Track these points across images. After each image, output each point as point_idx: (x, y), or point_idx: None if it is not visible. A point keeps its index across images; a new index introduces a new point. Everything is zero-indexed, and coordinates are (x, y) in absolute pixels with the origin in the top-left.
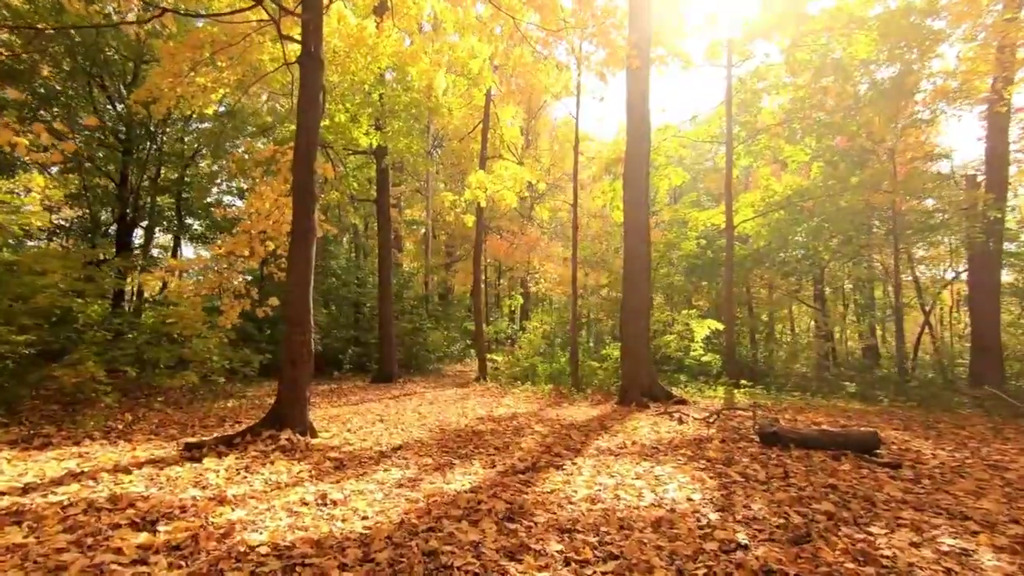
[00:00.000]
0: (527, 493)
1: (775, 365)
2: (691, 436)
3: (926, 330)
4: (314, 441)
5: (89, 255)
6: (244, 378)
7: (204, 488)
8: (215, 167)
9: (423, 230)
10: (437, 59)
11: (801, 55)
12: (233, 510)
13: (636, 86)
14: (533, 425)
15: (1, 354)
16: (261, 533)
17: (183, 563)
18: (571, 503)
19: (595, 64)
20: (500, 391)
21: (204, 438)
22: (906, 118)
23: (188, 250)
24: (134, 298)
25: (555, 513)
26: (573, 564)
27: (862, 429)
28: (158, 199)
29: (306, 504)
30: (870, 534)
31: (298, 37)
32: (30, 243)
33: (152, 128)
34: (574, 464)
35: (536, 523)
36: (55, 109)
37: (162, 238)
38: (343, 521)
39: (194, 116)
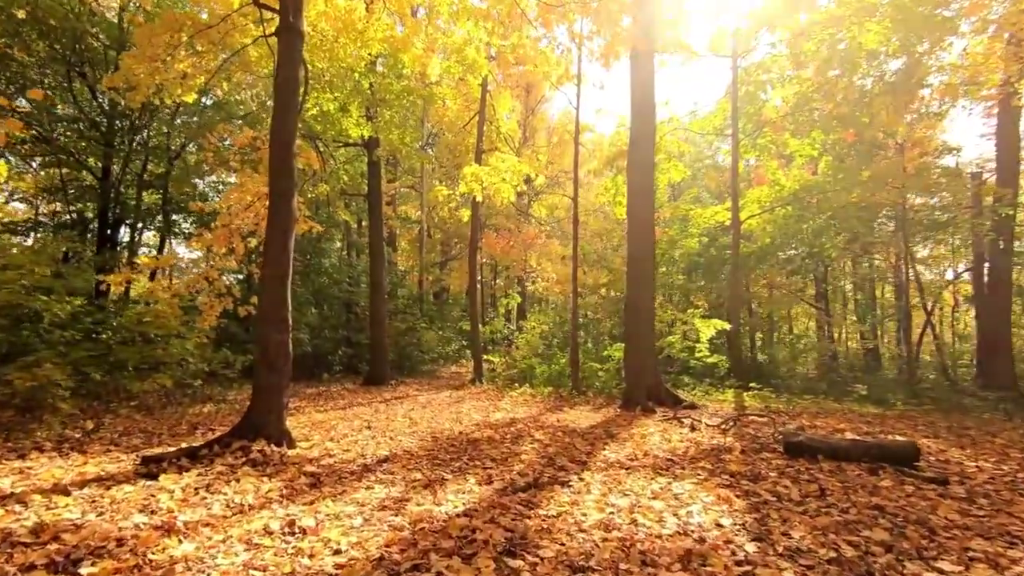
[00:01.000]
0: (530, 517)
1: (781, 367)
2: (707, 446)
3: (927, 330)
4: (291, 452)
5: (57, 250)
6: (225, 381)
7: (152, 513)
8: (198, 158)
9: (418, 228)
10: (431, 45)
11: (808, 46)
12: (180, 542)
13: (642, 68)
14: (533, 432)
15: None
16: None
17: None
18: (582, 531)
19: (598, 47)
20: (497, 394)
21: (166, 450)
22: (914, 112)
23: (180, 250)
24: (113, 297)
25: (564, 544)
26: None
27: (897, 439)
28: (144, 195)
29: (270, 534)
30: (942, 572)
31: (276, 5)
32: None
33: (134, 120)
34: (581, 480)
35: (542, 558)
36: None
37: (152, 237)
38: (310, 557)
39: (181, 109)
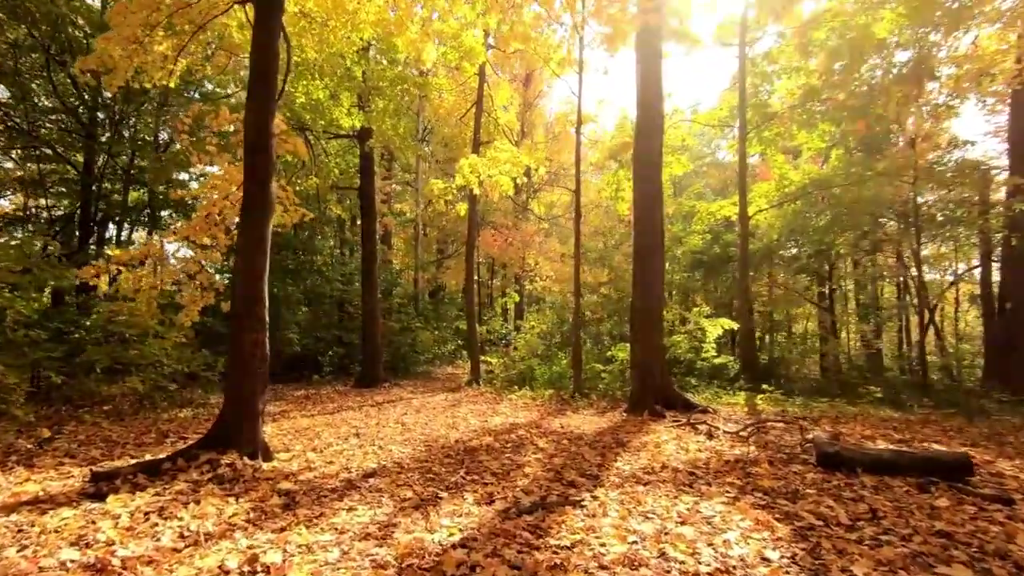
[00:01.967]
0: (539, 548)
1: (791, 368)
2: (729, 456)
3: (929, 330)
4: (266, 466)
5: (29, 246)
6: (207, 383)
7: (87, 547)
8: (173, 145)
9: (413, 226)
10: (426, 28)
11: (818, 34)
12: None
13: (649, 50)
14: (536, 440)
15: None
16: None
17: None
18: (603, 567)
19: (602, 33)
20: (495, 397)
21: (124, 464)
22: (924, 104)
23: (171, 246)
24: (100, 295)
25: None
26: None
27: (936, 447)
28: (131, 192)
29: (226, 574)
30: None
31: None
32: None
33: (117, 112)
34: (595, 498)
35: None
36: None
37: (143, 236)
38: None
39: (170, 100)
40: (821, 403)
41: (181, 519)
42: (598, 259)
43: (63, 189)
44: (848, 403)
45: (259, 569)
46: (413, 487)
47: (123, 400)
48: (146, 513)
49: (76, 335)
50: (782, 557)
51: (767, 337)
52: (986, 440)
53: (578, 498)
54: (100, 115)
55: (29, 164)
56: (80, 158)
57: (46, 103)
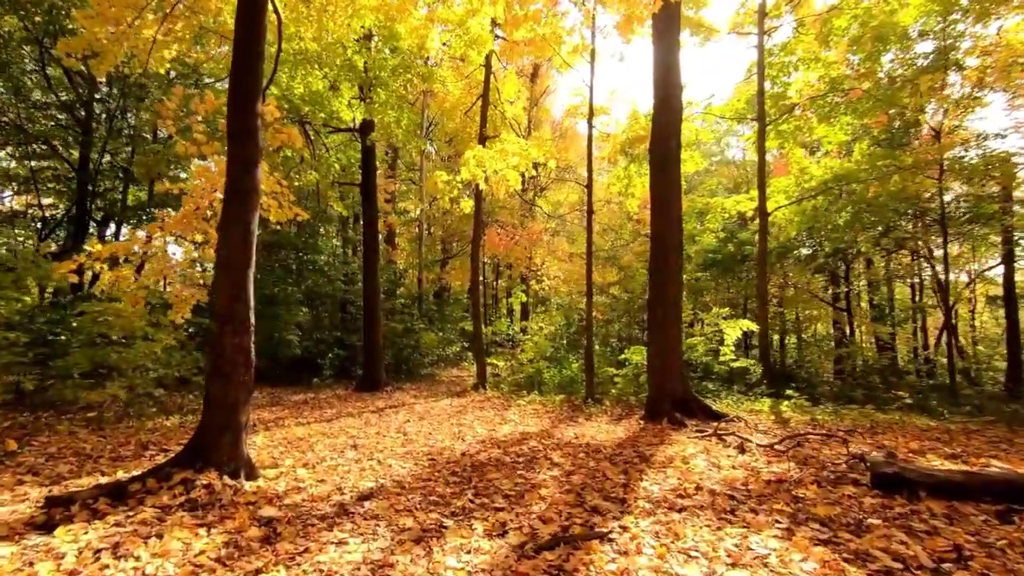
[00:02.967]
0: None
1: (813, 372)
2: (768, 475)
3: (945, 332)
4: (248, 486)
5: (10, 242)
6: (199, 388)
7: None
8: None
9: (417, 225)
10: (430, 14)
11: (840, 21)
12: None
13: (666, 33)
14: (550, 452)
15: None
16: None
17: None
18: None
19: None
20: (503, 402)
21: (86, 486)
22: (952, 94)
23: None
24: (96, 292)
25: None
26: None
27: (999, 466)
28: (129, 190)
29: None
30: None
31: None
32: None
33: (114, 107)
34: (624, 529)
35: None
36: None
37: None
38: None
39: (169, 95)
40: (851, 411)
41: (138, 559)
42: (607, 258)
43: (59, 187)
44: (876, 409)
45: None
46: (414, 513)
47: (109, 407)
48: (97, 551)
49: (63, 337)
50: None
51: (781, 340)
52: None
53: (605, 529)
54: (97, 109)
55: (24, 161)
56: (75, 154)
57: (40, 98)
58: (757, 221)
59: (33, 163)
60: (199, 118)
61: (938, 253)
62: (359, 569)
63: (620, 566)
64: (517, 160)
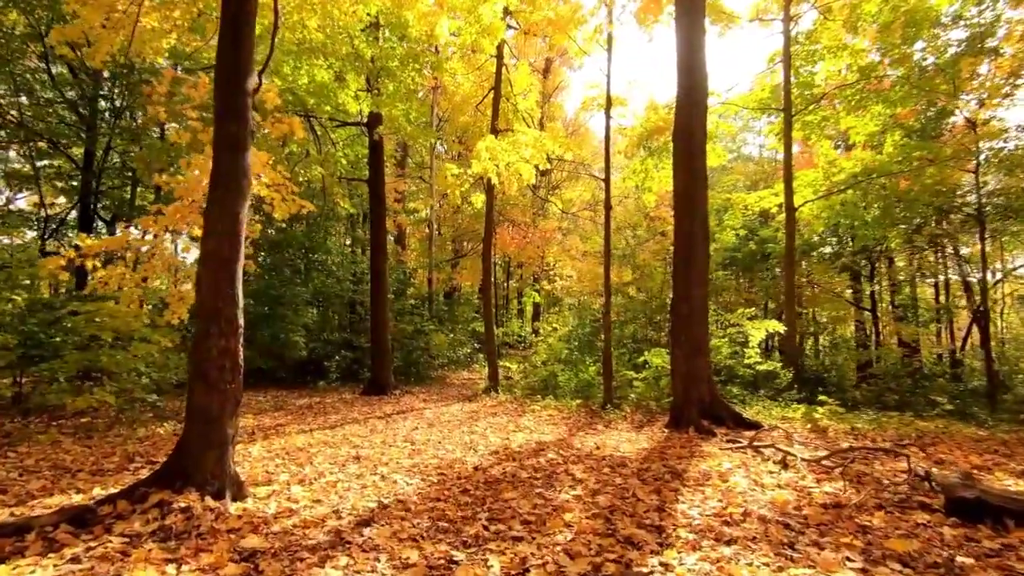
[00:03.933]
0: None
1: (842, 375)
2: (822, 498)
3: (974, 334)
4: (234, 508)
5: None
6: None
7: None
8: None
9: (427, 225)
10: (440, 0)
11: (868, 6)
12: None
13: (690, 13)
14: (570, 466)
15: None
16: None
17: None
18: None
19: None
20: (516, 407)
21: (56, 506)
22: (989, 82)
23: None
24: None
25: None
26: None
27: None
28: (137, 189)
29: None
30: None
31: None
32: None
33: (118, 105)
34: (666, 568)
35: None
36: None
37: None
38: None
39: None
40: (890, 418)
41: None
42: (622, 257)
43: (63, 185)
44: (915, 417)
45: None
46: (420, 544)
47: (101, 413)
48: None
49: (58, 338)
50: None
51: (801, 340)
52: None
53: (644, 569)
54: (102, 105)
55: (27, 158)
56: (80, 152)
57: (42, 93)
58: (779, 218)
59: (37, 161)
60: (193, 105)
61: (964, 251)
62: None
63: None
64: (531, 152)
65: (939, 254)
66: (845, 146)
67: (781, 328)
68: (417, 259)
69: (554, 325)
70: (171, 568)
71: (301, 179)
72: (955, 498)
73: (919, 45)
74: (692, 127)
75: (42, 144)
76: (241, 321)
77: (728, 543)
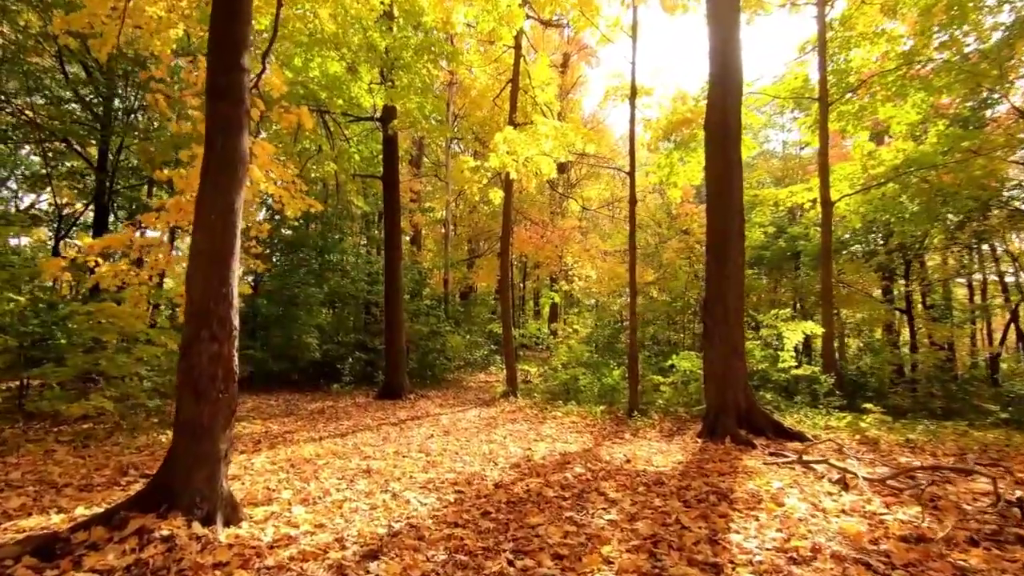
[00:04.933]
0: None
1: (883, 380)
2: (898, 528)
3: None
4: (224, 535)
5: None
6: None
7: None
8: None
9: (443, 225)
10: None
11: None
12: None
13: None
14: (601, 483)
15: None
16: None
17: None
18: None
19: None
20: (536, 413)
21: (31, 528)
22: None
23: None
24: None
25: None
26: None
27: None
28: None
29: None
30: None
31: None
32: None
33: (132, 104)
34: None
35: None
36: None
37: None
38: None
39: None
40: (944, 428)
41: None
42: (644, 256)
43: (77, 184)
44: (968, 426)
45: None
46: None
47: (106, 418)
48: None
49: (63, 340)
50: None
51: (843, 343)
52: None
53: None
54: (116, 104)
55: (42, 158)
56: (94, 152)
57: (56, 90)
58: (810, 214)
59: (46, 161)
60: (194, 92)
61: (999, 249)
62: None
63: None
64: (551, 145)
65: (975, 252)
66: (877, 139)
67: (819, 330)
68: (433, 259)
69: (574, 327)
70: None
71: (314, 176)
72: None
73: (964, 29)
74: (727, 113)
75: (57, 144)
76: (236, 323)
77: None
